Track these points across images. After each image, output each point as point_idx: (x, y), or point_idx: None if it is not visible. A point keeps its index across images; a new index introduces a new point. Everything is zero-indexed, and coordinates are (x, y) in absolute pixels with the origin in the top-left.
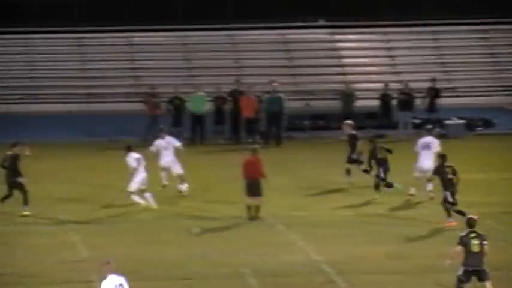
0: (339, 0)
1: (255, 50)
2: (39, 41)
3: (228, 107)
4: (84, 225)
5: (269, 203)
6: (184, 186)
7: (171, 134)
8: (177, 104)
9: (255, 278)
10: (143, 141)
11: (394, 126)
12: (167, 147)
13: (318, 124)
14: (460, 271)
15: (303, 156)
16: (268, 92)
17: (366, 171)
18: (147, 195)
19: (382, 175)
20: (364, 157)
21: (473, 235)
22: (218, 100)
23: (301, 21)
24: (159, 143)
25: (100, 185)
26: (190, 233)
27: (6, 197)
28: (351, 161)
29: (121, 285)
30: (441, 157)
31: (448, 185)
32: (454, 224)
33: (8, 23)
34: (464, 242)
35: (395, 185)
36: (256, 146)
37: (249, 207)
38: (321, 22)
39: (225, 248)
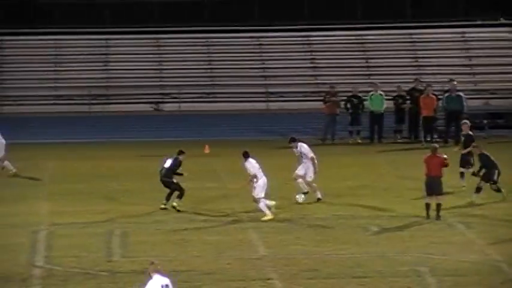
0: None
1: (434, 49)
2: (219, 41)
3: (407, 106)
4: (262, 223)
5: (448, 202)
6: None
7: (350, 132)
8: (355, 103)
9: (433, 276)
10: (321, 140)
11: None
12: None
13: (497, 123)
14: None
15: None
16: (447, 91)
17: (474, 174)
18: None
19: (495, 178)
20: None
21: None
22: (397, 99)
23: (480, 20)
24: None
25: (277, 183)
26: (368, 232)
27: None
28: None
29: (167, 285)
30: None
31: None
32: None
33: (188, 21)
34: None
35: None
36: (436, 145)
37: (428, 206)
38: (502, 20)
39: (403, 246)
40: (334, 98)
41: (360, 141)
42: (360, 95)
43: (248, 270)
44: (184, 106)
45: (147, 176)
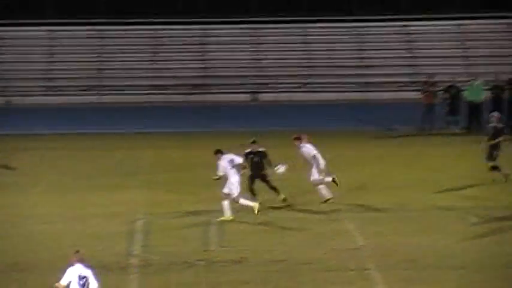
0: None
1: None
2: (317, 30)
3: (505, 95)
4: (359, 213)
5: None
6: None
7: (447, 122)
8: (453, 93)
9: None
10: (419, 130)
11: None
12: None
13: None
14: None
15: None
16: None
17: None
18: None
19: None
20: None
21: None
22: (496, 89)
23: None
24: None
25: (374, 173)
26: (466, 222)
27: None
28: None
29: (85, 277)
30: None
31: None
32: None
33: (286, 12)
34: None
35: None
36: None
37: None
38: None
39: (502, 237)
40: (432, 88)
41: (458, 131)
42: (458, 84)
43: (345, 261)
44: (282, 96)
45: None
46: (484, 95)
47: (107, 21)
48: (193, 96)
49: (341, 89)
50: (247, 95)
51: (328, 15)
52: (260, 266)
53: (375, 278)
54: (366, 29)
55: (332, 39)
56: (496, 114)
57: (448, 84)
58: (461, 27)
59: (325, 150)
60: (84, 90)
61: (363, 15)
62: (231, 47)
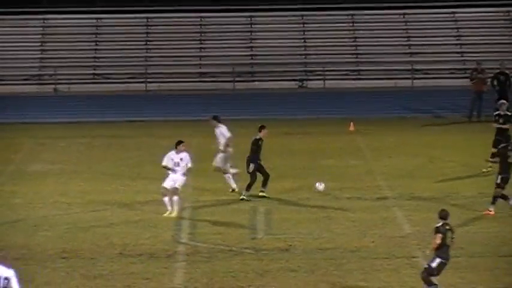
0: None
1: None
2: (364, 17)
3: None
4: (407, 201)
5: None
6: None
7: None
8: (501, 80)
9: None
10: (468, 117)
11: None
12: None
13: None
14: (435, 263)
15: None
16: None
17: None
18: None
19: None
20: None
21: (448, 227)
22: None
23: None
24: None
25: (422, 161)
26: None
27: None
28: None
29: (7, 278)
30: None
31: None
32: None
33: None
34: (442, 232)
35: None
36: None
37: None
38: None
39: None
40: (480, 75)
41: None
42: (507, 71)
43: (393, 248)
44: (329, 83)
45: (290, 153)
46: None
47: (152, 9)
48: (240, 84)
49: (389, 76)
50: (295, 83)
51: (376, 1)
52: (307, 254)
53: (422, 265)
54: (413, 15)
55: (379, 26)
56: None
57: (498, 71)
58: (510, 13)
59: (373, 138)
60: (131, 78)
61: (410, 1)
62: (278, 35)
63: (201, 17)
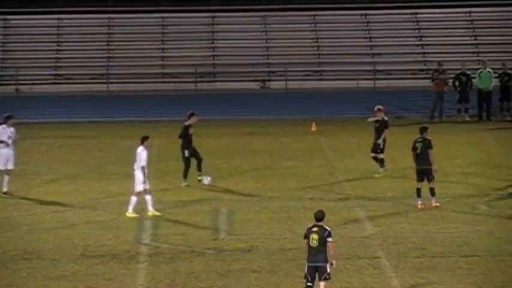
0: None
1: None
2: (326, 18)
3: None
4: (370, 201)
5: None
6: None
7: (458, 110)
8: (463, 81)
9: None
10: (429, 118)
11: None
12: None
13: None
14: (305, 268)
15: None
16: None
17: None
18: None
19: None
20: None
21: (315, 229)
22: (504, 76)
23: None
24: None
25: (386, 161)
26: (476, 211)
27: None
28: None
29: None
30: None
31: None
32: None
33: (295, 1)
34: (306, 235)
35: None
36: None
37: None
38: None
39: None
40: (442, 76)
41: (468, 119)
42: (468, 72)
43: (355, 249)
44: (291, 84)
45: (253, 153)
46: (493, 83)
47: (115, 9)
48: (202, 84)
49: (351, 77)
50: (257, 83)
51: (338, 2)
52: (270, 255)
53: (385, 266)
54: (375, 16)
55: (341, 27)
56: None
57: (459, 72)
58: (471, 14)
59: (335, 139)
60: (93, 78)
61: (372, 2)
62: (240, 35)
63: (162, 17)
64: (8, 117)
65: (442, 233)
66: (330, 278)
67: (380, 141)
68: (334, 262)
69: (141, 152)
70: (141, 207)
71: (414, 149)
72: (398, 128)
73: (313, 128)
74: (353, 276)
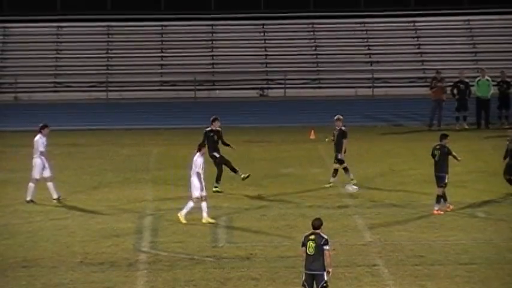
0: None
1: None
2: (325, 26)
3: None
4: (369, 209)
5: None
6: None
7: (456, 118)
8: (461, 89)
9: None
10: (428, 126)
11: None
12: None
13: None
14: (303, 275)
15: None
16: None
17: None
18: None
19: None
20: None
21: (312, 237)
22: (502, 85)
23: None
24: None
25: (382, 169)
26: (474, 218)
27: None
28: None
29: None
30: None
31: None
32: None
33: (294, 8)
34: (303, 243)
35: None
36: None
37: None
38: None
39: (510, 233)
40: (440, 84)
41: (466, 127)
42: (466, 80)
43: (354, 256)
44: (290, 92)
45: (251, 161)
46: (491, 91)
47: (114, 17)
48: (201, 92)
49: (349, 85)
50: (256, 91)
51: (336, 10)
52: (268, 262)
53: (383, 273)
54: (374, 24)
55: (340, 35)
56: None
57: (457, 80)
58: (470, 22)
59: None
60: (92, 86)
61: (371, 10)
62: (239, 43)
63: (162, 25)
64: (44, 127)
65: (441, 240)
66: (327, 286)
67: (341, 155)
68: (330, 270)
69: (197, 159)
70: (139, 215)
71: (433, 155)
72: (397, 135)
73: (312, 136)
74: (351, 284)
